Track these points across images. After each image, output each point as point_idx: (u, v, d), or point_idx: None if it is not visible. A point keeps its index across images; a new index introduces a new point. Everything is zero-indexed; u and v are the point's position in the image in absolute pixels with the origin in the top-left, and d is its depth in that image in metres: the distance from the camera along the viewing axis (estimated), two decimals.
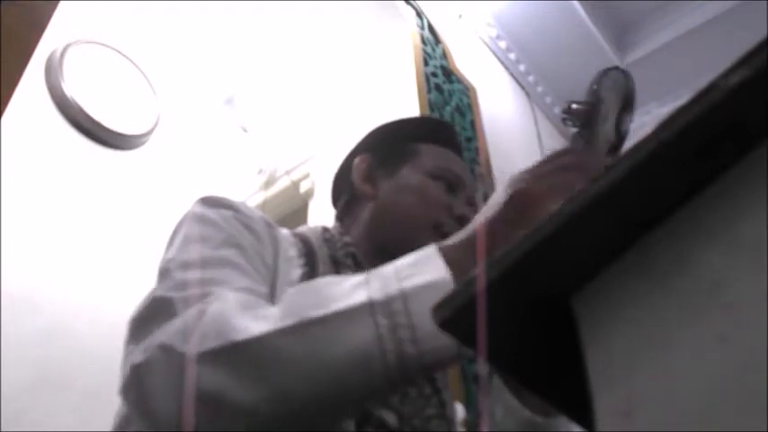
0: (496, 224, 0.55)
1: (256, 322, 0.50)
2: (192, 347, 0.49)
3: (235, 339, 0.48)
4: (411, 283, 0.50)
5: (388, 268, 0.54)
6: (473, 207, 0.83)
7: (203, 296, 0.55)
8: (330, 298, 0.51)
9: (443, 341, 0.48)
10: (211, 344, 0.49)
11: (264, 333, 0.49)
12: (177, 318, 0.53)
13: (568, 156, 0.58)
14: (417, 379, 0.58)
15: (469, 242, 0.56)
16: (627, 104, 0.59)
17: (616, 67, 0.62)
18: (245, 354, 0.48)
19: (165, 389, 0.49)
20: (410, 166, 0.84)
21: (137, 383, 0.52)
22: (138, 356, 0.52)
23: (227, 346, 0.48)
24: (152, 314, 0.56)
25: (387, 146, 0.88)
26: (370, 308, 0.49)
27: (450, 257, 0.53)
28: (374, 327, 0.48)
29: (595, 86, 0.61)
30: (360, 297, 0.50)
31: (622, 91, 0.60)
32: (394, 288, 0.50)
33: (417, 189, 0.82)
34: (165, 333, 0.52)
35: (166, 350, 0.50)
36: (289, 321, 0.49)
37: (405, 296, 0.50)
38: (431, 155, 0.85)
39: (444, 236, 0.80)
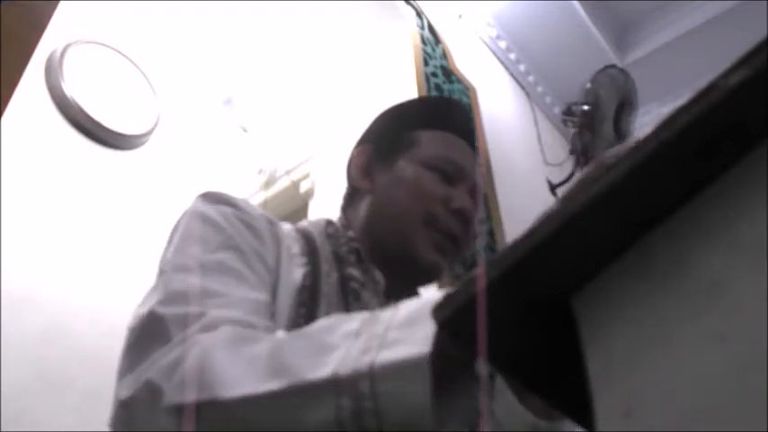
0: None
1: (242, 370, 0.50)
2: (176, 394, 0.50)
3: (214, 397, 0.49)
4: (386, 356, 0.44)
5: (384, 319, 0.48)
6: (475, 197, 0.80)
7: (198, 316, 0.55)
8: (310, 360, 0.48)
9: (412, 427, 0.44)
10: (192, 395, 0.49)
11: (243, 396, 0.48)
12: (168, 348, 0.54)
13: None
14: None
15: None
16: (625, 102, 0.59)
17: (613, 66, 0.62)
18: (221, 413, 0.49)
19: (147, 429, 0.51)
20: (406, 158, 0.81)
21: (123, 420, 0.54)
22: (126, 391, 0.53)
23: (207, 402, 0.49)
24: (146, 336, 0.57)
25: (386, 136, 0.86)
26: (334, 386, 0.46)
27: None
28: (336, 410, 0.45)
29: (590, 86, 0.60)
30: (327, 370, 0.46)
31: (620, 89, 0.59)
32: (365, 362, 0.45)
33: (410, 181, 0.78)
34: (153, 368, 0.53)
35: (151, 391, 0.51)
36: (268, 385, 0.48)
37: (373, 376, 0.44)
38: (430, 143, 0.82)
39: (438, 230, 0.78)
